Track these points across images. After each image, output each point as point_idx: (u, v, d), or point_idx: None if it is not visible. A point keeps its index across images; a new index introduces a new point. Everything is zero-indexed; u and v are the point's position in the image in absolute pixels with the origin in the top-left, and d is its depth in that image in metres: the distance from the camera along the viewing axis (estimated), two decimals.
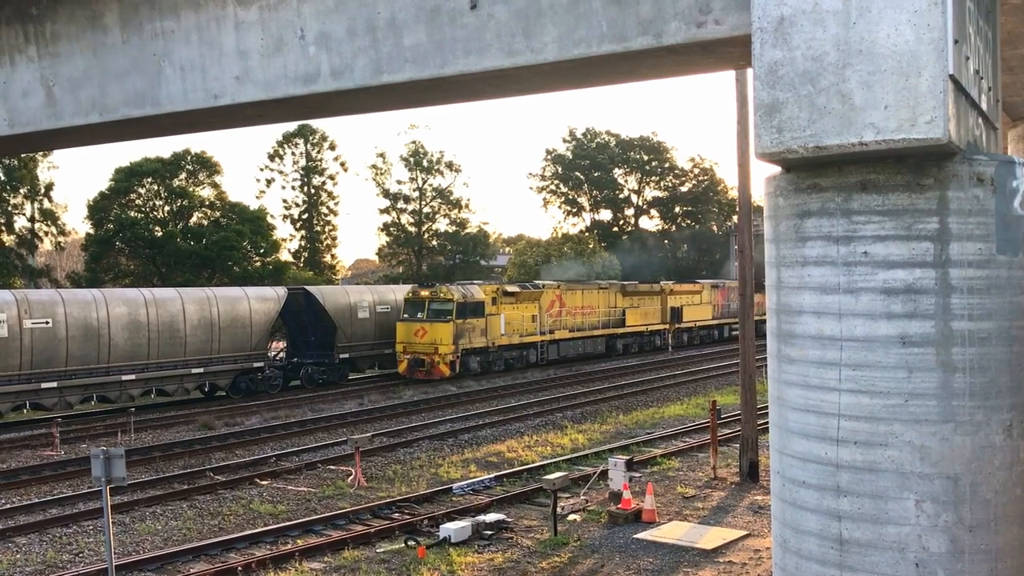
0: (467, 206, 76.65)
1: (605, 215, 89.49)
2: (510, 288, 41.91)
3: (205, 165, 64.75)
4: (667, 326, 52.56)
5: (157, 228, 61.48)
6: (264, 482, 20.29)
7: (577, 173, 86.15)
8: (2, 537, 16.28)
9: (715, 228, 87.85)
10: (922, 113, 6.91)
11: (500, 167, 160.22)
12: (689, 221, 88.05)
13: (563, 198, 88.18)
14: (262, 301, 35.23)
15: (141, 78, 11.91)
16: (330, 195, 74.15)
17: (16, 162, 56.09)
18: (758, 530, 15.73)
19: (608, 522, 16.34)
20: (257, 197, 75.77)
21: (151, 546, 15.69)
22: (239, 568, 14.00)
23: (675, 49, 8.95)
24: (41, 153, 55.70)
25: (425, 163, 74.45)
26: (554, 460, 21.63)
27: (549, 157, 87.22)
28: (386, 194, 74.96)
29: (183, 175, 64.03)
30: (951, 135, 6.94)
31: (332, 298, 38.81)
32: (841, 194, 7.63)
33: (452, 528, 15.39)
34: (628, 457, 19.34)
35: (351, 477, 20.12)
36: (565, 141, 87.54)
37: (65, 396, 29.07)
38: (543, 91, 11.56)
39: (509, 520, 16.35)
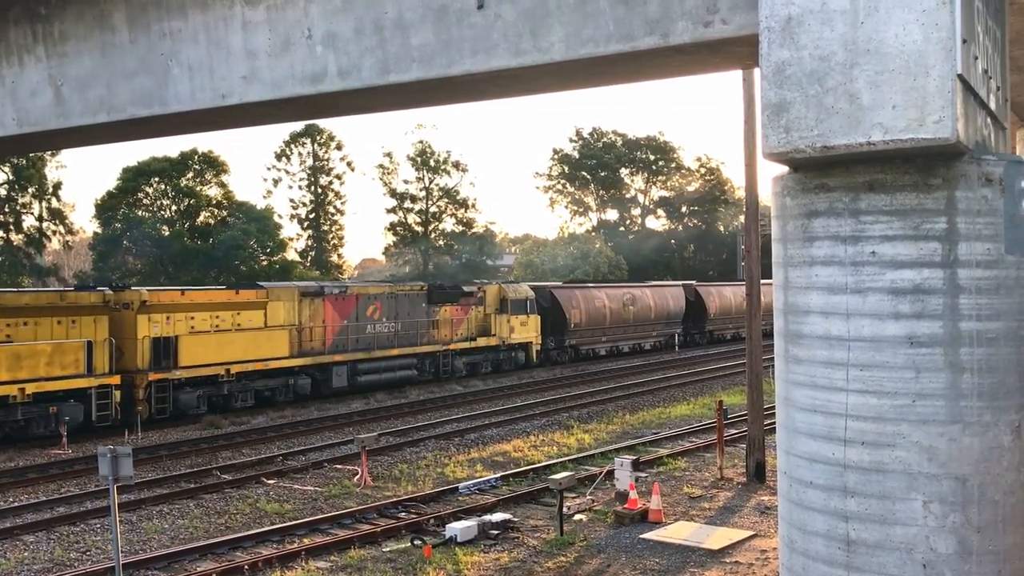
0: (473, 206, 76.82)
1: (611, 215, 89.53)
2: None
3: (212, 164, 64.94)
4: (112, 380, 25.39)
5: (164, 227, 61.66)
6: (270, 481, 20.31)
7: (583, 173, 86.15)
8: (10, 535, 16.32)
9: (722, 228, 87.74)
10: (930, 113, 6.90)
11: (506, 167, 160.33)
12: (696, 221, 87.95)
13: (569, 198, 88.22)
14: None
15: (149, 78, 11.94)
16: (337, 195, 74.36)
17: (24, 161, 56.28)
18: (765, 530, 15.70)
19: (614, 522, 16.32)
20: (264, 196, 76.04)
21: (158, 544, 15.72)
22: (245, 567, 14.02)
23: (682, 49, 8.95)
24: (49, 152, 55.86)
25: (432, 163, 74.56)
26: (560, 460, 21.61)
27: (556, 157, 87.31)
28: (393, 194, 75.10)
29: (190, 174, 64.22)
30: (959, 135, 6.92)
31: None
32: (849, 194, 7.62)
33: (458, 527, 15.39)
34: (634, 457, 19.31)
35: (357, 476, 20.13)
36: (572, 141, 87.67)
37: None
38: (550, 91, 11.58)
39: (515, 520, 16.33)
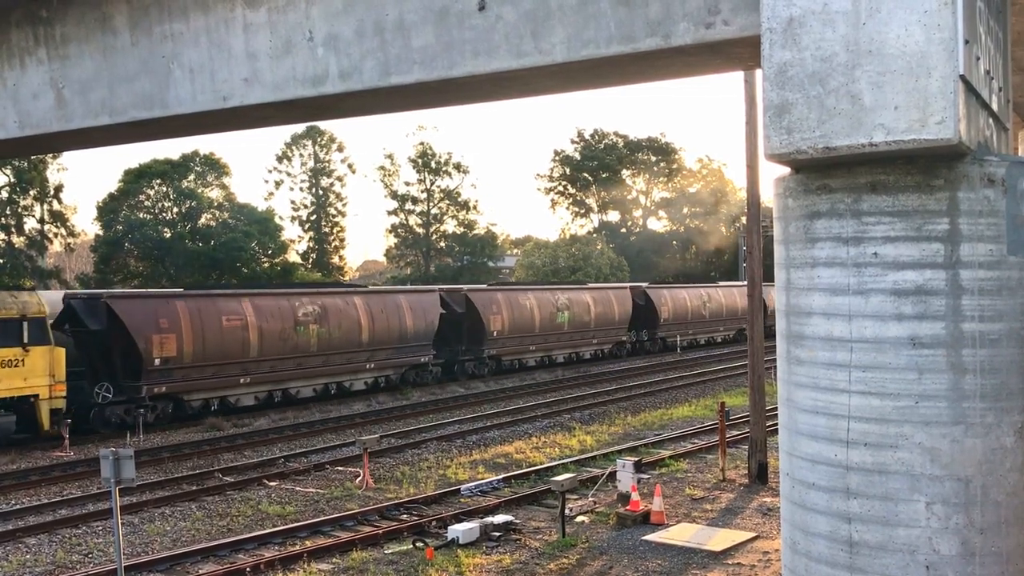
0: (475, 207, 76.96)
1: (613, 216, 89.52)
2: None
3: (213, 167, 65.04)
4: None
5: (166, 229, 61.71)
6: (272, 483, 20.30)
7: (585, 174, 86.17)
8: (12, 537, 16.32)
9: (724, 229, 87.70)
10: (932, 114, 6.89)
11: (508, 168, 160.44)
12: (697, 222, 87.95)
13: (571, 199, 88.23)
14: None
15: (150, 80, 11.95)
16: (338, 196, 74.47)
17: (26, 164, 56.33)
18: (767, 532, 15.69)
19: (616, 524, 16.30)
20: (266, 199, 76.20)
21: (160, 547, 15.71)
22: (247, 569, 14.01)
23: (684, 50, 8.95)
24: (50, 155, 55.92)
25: (433, 164, 74.63)
26: (562, 461, 21.60)
27: (557, 158, 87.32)
28: (394, 195, 75.19)
29: (192, 176, 64.29)
30: (961, 136, 6.91)
31: None
32: (851, 195, 7.61)
33: (460, 529, 15.37)
34: (636, 459, 19.29)
35: (359, 478, 20.12)
36: (573, 142, 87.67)
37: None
38: (551, 92, 11.57)
39: (517, 522, 16.32)
